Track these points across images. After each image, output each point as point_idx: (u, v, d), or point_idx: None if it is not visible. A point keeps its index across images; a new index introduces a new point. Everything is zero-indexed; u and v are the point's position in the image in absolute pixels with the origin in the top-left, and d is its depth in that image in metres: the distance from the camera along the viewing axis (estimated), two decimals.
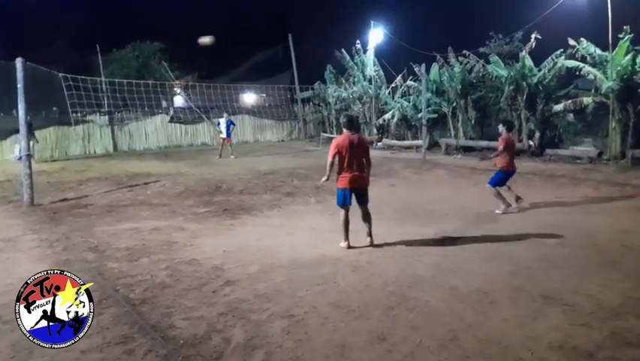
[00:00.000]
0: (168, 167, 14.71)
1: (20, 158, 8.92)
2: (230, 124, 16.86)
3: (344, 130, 5.65)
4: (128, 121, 21.71)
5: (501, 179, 7.57)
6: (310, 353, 3.21)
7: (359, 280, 4.55)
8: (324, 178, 5.70)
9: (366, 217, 5.72)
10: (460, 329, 3.49)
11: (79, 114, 20.04)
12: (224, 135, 16.85)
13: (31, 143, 14.76)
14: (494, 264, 4.92)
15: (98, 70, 22.79)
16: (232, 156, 16.27)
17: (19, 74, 8.48)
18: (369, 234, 5.71)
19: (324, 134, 23.76)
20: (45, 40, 35.12)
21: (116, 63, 27.25)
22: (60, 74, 18.93)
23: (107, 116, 21.22)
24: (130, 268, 5.08)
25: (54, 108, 23.08)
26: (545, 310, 3.78)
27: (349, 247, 5.55)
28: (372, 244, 5.63)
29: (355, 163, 5.51)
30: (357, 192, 5.60)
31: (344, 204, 5.57)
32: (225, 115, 17.47)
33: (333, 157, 5.49)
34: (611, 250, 5.30)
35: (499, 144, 7.54)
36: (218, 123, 17.34)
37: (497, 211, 7.35)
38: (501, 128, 7.76)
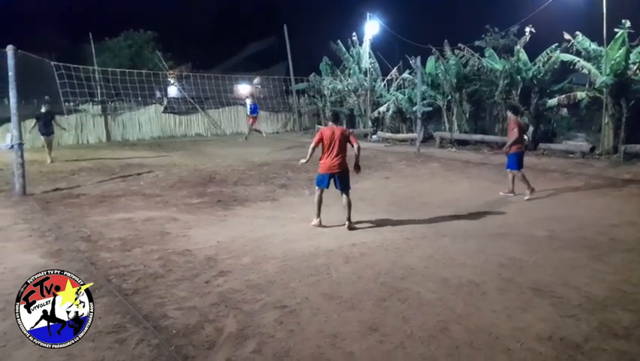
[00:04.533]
0: (162, 157, 14.63)
1: (12, 146, 8.81)
2: (253, 106, 17.24)
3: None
4: (122, 111, 21.52)
5: (520, 160, 7.91)
6: (302, 344, 3.24)
7: (351, 272, 4.58)
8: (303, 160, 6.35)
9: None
10: (450, 320, 3.53)
11: (71, 103, 19.83)
12: (248, 113, 17.30)
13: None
14: (485, 256, 4.96)
15: (91, 58, 22.52)
16: (243, 138, 16.23)
17: (10, 62, 8.37)
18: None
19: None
20: (36, 28, 34.67)
21: (109, 52, 26.92)
22: (52, 63, 18.70)
23: (99, 106, 21.03)
24: (122, 258, 5.08)
25: (46, 97, 22.85)
26: (534, 302, 3.83)
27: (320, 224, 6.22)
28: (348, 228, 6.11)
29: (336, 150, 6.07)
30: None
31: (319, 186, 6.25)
32: (249, 99, 17.93)
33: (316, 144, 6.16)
34: (600, 244, 5.36)
35: (513, 127, 7.76)
36: (245, 103, 17.97)
37: (525, 198, 7.73)
38: (509, 114, 8.11)
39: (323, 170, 6.09)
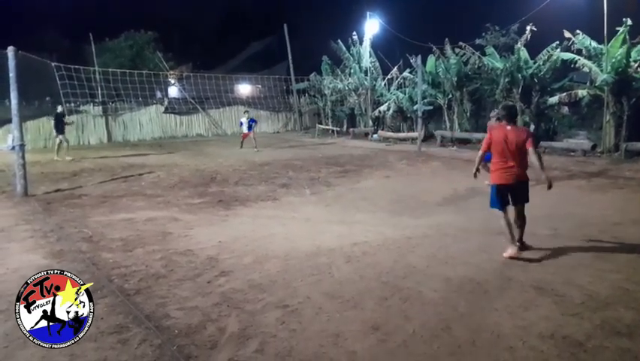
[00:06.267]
0: (163, 158, 14.66)
1: (13, 147, 8.82)
2: (251, 122, 16.89)
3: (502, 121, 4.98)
4: (122, 111, 21.57)
5: None
6: (304, 343, 3.24)
7: (353, 271, 4.57)
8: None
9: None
10: (452, 319, 3.52)
11: (72, 104, 19.88)
12: (245, 131, 16.94)
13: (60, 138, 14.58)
14: (487, 255, 4.95)
15: (91, 59, 22.55)
16: (255, 149, 15.95)
17: (11, 63, 8.38)
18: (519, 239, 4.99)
19: (320, 126, 23.73)
20: (37, 29, 34.71)
21: (110, 53, 26.97)
22: (53, 64, 18.73)
23: (100, 107, 21.06)
24: (124, 258, 5.08)
25: (47, 98, 22.90)
26: (537, 301, 3.82)
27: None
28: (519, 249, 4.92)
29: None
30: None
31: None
32: (246, 114, 17.34)
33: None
34: (603, 242, 5.35)
35: None
36: (241, 124, 17.43)
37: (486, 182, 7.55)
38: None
39: (495, 179, 4.89)
